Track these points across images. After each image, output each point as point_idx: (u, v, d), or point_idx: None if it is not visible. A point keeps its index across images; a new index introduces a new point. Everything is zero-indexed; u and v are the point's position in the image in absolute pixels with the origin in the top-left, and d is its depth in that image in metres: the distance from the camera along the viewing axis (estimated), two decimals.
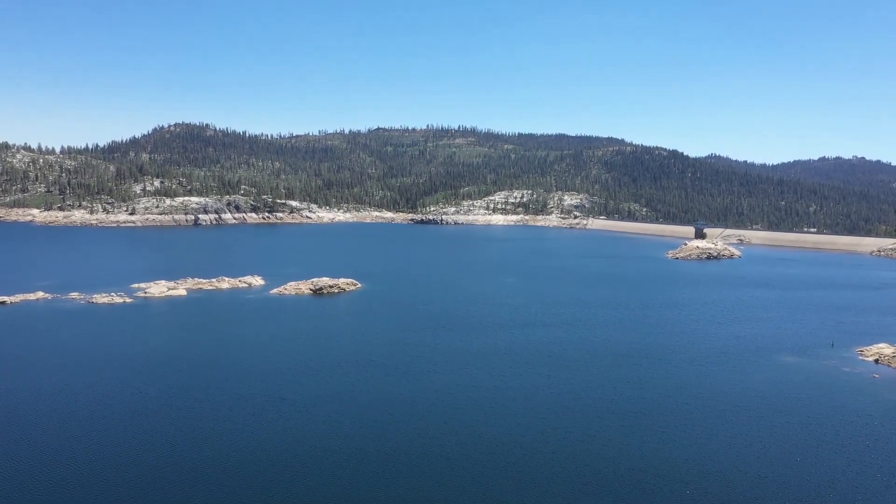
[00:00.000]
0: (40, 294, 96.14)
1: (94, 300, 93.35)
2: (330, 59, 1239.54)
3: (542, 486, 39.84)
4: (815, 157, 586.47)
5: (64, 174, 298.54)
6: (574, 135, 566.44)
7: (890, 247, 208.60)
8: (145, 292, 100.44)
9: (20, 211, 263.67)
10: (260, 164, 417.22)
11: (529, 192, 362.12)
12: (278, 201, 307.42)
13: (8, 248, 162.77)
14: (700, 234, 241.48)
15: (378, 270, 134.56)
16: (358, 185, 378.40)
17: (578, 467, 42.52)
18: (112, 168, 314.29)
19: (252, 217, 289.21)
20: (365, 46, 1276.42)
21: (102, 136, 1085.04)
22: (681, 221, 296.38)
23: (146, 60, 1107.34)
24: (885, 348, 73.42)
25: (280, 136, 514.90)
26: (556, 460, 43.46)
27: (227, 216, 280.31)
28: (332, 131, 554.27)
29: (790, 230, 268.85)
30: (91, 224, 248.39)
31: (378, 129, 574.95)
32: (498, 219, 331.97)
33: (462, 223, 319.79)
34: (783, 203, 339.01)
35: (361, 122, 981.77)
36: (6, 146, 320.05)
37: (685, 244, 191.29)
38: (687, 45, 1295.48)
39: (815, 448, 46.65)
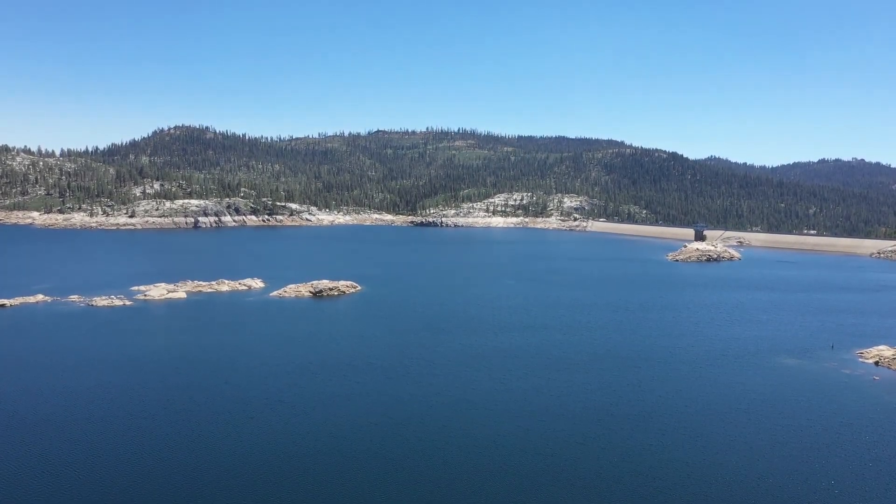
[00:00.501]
0: (40, 297, 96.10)
1: (93, 303, 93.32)
2: (330, 62, 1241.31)
3: (542, 490, 39.80)
4: (815, 159, 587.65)
5: (64, 177, 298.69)
6: (574, 137, 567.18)
7: (889, 249, 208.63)
8: (145, 295, 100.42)
9: (20, 213, 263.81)
10: (260, 166, 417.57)
11: (529, 194, 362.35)
12: (278, 204, 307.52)
13: (7, 251, 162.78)
14: (700, 237, 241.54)
15: (378, 273, 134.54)
16: (357, 188, 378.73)
17: (578, 470, 42.48)
18: (112, 171, 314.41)
19: (252, 220, 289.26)
20: (364, 49, 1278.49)
21: (102, 138, 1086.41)
22: (680, 223, 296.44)
23: (146, 63, 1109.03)
24: (885, 350, 73.39)
25: (280, 139, 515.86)
26: (556, 463, 43.42)
27: (227, 219, 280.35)
28: (331, 134, 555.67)
29: (790, 232, 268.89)
30: (91, 227, 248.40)
31: (378, 131, 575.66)
32: (498, 221, 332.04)
33: (462, 225, 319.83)
34: (783, 205, 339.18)
35: (361, 124, 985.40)
36: (6, 149, 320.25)
37: (685, 246, 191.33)
38: (687, 47, 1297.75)
39: (815, 450, 46.61)
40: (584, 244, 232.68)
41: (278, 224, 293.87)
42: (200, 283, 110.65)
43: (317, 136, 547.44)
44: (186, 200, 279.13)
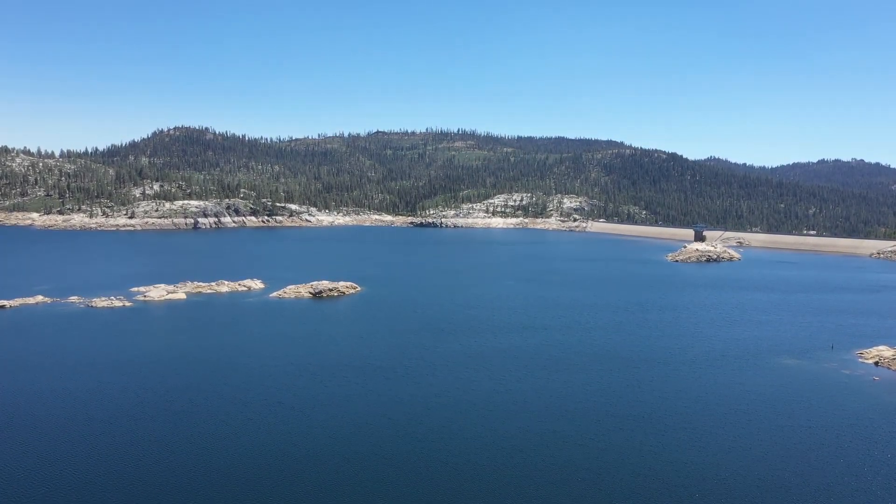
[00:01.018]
0: (40, 298, 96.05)
1: (93, 304, 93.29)
2: (329, 63, 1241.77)
3: (542, 490, 39.79)
4: (815, 160, 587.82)
5: (63, 178, 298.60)
6: (573, 138, 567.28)
7: (889, 249, 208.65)
8: (145, 296, 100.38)
9: (20, 215, 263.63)
10: (259, 167, 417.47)
11: (529, 195, 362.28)
12: (278, 205, 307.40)
13: (7, 253, 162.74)
14: (699, 237, 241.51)
15: (378, 274, 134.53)
16: (357, 189, 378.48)
17: (577, 471, 42.47)
18: (111, 172, 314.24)
19: (251, 220, 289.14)
20: (364, 50, 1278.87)
21: (102, 139, 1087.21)
22: (680, 224, 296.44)
23: (146, 64, 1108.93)
24: (884, 350, 73.41)
25: (279, 140, 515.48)
26: (555, 464, 43.41)
27: (227, 220, 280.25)
28: (331, 135, 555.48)
29: (789, 233, 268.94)
30: (90, 228, 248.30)
31: (377, 132, 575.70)
32: (497, 222, 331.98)
33: (461, 226, 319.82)
34: (782, 205, 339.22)
35: (361, 125, 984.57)
36: (6, 150, 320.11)
37: (684, 247, 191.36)
38: (686, 47, 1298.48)
39: (814, 451, 46.61)
40: (583, 245, 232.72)
41: (278, 225, 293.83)
42: (200, 284, 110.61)
43: (316, 137, 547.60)
44: (186, 201, 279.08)
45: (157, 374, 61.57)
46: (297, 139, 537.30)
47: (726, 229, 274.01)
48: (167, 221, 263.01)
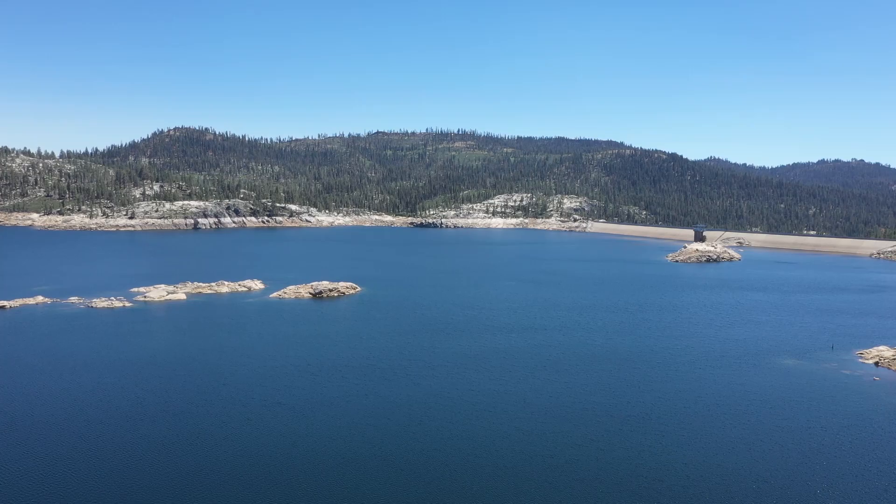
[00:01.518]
0: (40, 298, 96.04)
1: (93, 304, 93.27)
2: (329, 64, 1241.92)
3: (542, 491, 39.77)
4: (815, 160, 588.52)
5: (63, 178, 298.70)
6: (573, 138, 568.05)
7: (889, 249, 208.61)
8: (145, 297, 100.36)
9: (20, 215, 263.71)
10: (259, 168, 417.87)
11: (529, 195, 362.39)
12: (278, 205, 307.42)
13: (7, 253, 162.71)
14: (699, 237, 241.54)
15: (378, 274, 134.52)
16: (357, 189, 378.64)
17: (577, 472, 42.44)
18: (112, 172, 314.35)
19: (252, 221, 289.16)
20: (364, 50, 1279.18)
21: (102, 140, 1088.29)
22: (680, 224, 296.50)
23: (146, 64, 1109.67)
24: (884, 351, 73.39)
25: (279, 140, 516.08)
26: (555, 464, 43.39)
27: (227, 220, 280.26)
28: (331, 135, 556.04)
29: (789, 233, 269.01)
30: (91, 228, 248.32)
31: (377, 132, 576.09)
32: (497, 222, 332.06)
33: (462, 227, 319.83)
34: (782, 206, 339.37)
35: (361, 125, 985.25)
36: (6, 150, 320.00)
37: (684, 247, 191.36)
38: (686, 48, 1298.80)
39: (815, 451, 46.58)
40: (583, 245, 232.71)
41: (278, 225, 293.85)
42: (200, 284, 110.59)
43: (316, 138, 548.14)
44: (186, 202, 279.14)
45: (157, 374, 61.56)
46: (297, 139, 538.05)
47: (726, 229, 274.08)
48: (167, 222, 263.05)
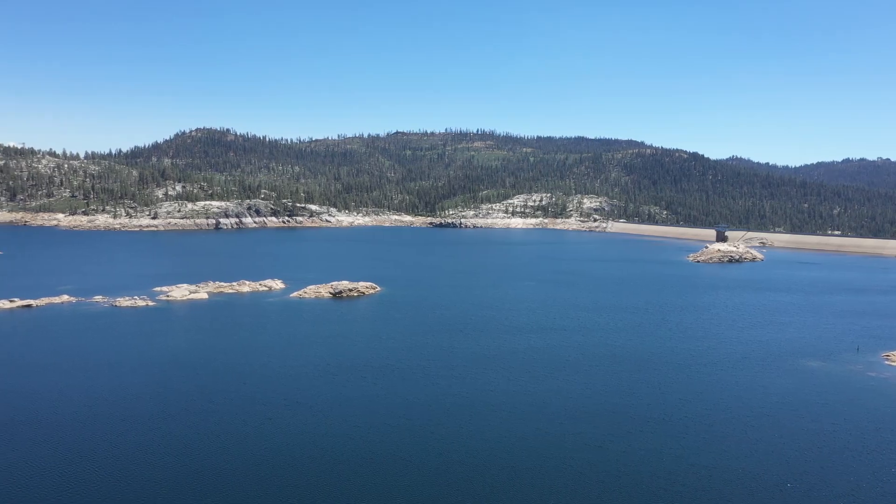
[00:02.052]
0: (65, 297, 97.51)
1: (117, 303, 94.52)
2: (349, 64, 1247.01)
3: (560, 492, 39.61)
4: (839, 159, 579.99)
5: (88, 179, 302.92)
6: (593, 137, 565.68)
7: None
8: (167, 296, 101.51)
9: (46, 215, 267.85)
10: (280, 168, 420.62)
11: (548, 195, 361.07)
12: (298, 205, 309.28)
13: (34, 253, 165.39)
14: (721, 238, 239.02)
15: (397, 274, 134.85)
16: (377, 189, 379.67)
17: (596, 473, 42.22)
18: (135, 173, 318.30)
19: (272, 221, 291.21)
20: (383, 51, 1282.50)
21: (126, 141, 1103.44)
22: (702, 224, 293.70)
23: (168, 66, 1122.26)
24: None
25: (300, 141, 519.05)
26: (574, 466, 43.20)
27: (248, 220, 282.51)
28: (351, 135, 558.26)
29: (813, 233, 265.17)
30: (114, 228, 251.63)
31: (397, 132, 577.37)
32: (517, 222, 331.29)
33: (481, 226, 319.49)
34: (806, 205, 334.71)
35: (380, 125, 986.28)
36: (32, 152, 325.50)
37: (706, 247, 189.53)
38: (708, 46, 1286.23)
39: (839, 455, 45.90)
40: (603, 245, 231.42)
41: (298, 225, 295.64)
42: (222, 283, 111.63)
43: (336, 138, 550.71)
44: (208, 202, 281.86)
45: (179, 373, 62.23)
46: (317, 140, 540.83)
47: (749, 229, 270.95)
48: (189, 222, 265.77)
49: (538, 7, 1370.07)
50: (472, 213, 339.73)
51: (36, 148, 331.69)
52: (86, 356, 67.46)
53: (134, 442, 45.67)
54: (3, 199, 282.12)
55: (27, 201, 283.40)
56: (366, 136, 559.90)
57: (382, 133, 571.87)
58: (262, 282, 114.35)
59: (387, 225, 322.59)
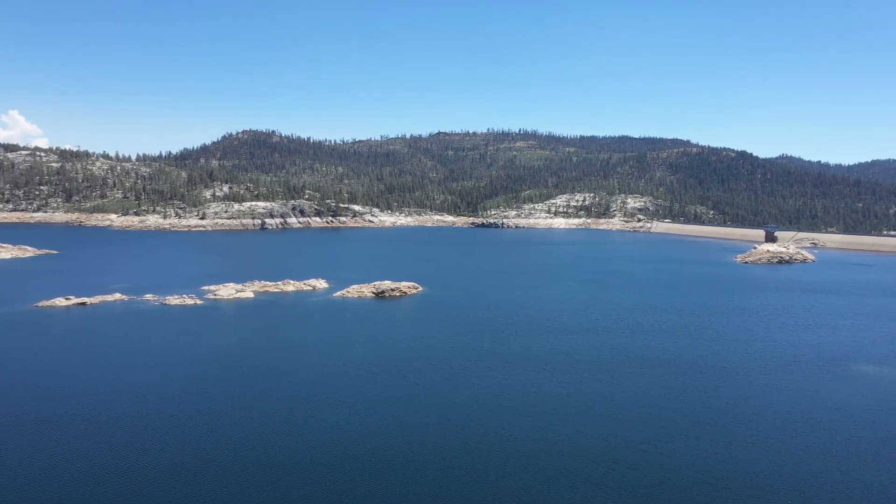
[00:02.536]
0: (118, 296, 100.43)
1: (166, 302, 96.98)
2: (392, 65, 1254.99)
3: (603, 497, 39.19)
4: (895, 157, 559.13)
5: (139, 181, 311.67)
6: (637, 136, 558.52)
7: None
8: (215, 294, 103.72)
9: (99, 216, 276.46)
10: (324, 169, 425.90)
11: (591, 195, 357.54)
12: (341, 206, 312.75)
13: (88, 252, 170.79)
14: (770, 238, 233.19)
15: (439, 274, 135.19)
16: (419, 189, 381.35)
17: (640, 477, 41.63)
18: (184, 174, 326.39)
19: (316, 221, 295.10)
20: (426, 51, 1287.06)
21: (175, 143, 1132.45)
22: (750, 225, 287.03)
23: (216, 69, 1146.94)
24: None
25: (343, 142, 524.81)
26: (617, 470, 42.68)
27: (293, 220, 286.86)
28: (393, 136, 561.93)
29: (868, 233, 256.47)
30: (164, 228, 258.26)
31: (439, 133, 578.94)
32: (559, 222, 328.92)
33: (523, 227, 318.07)
34: (860, 205, 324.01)
35: (422, 126, 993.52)
36: (87, 154, 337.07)
37: (755, 248, 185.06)
38: (756, 40, 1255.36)
39: (894, 463, 44.32)
40: (648, 246, 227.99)
41: (341, 225, 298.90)
42: (267, 283, 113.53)
43: (379, 139, 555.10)
44: (254, 203, 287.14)
45: (225, 370, 63.52)
46: (360, 141, 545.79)
47: (799, 230, 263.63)
48: (236, 222, 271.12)
49: (582, 5, 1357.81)
50: (514, 213, 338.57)
51: (90, 151, 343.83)
52: (136, 353, 69.39)
53: (181, 438, 46.79)
54: (59, 199, 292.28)
55: (82, 202, 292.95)
56: (408, 136, 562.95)
57: (425, 133, 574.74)
58: (306, 281, 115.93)
59: (429, 225, 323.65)
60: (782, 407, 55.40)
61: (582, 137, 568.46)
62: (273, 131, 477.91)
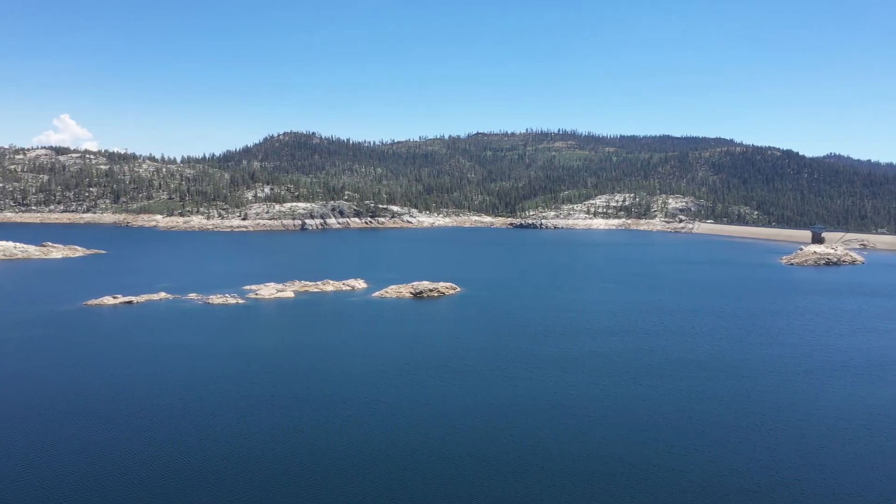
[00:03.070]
0: (163, 295, 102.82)
1: (209, 301, 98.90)
2: (429, 67, 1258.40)
3: (642, 502, 38.65)
4: None
5: (184, 182, 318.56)
6: (679, 136, 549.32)
7: None
8: (256, 294, 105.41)
9: (145, 217, 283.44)
10: (363, 170, 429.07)
11: (632, 195, 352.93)
12: (380, 206, 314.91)
13: (135, 252, 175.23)
14: (818, 239, 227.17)
15: (477, 275, 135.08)
16: (457, 190, 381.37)
17: (680, 482, 40.94)
18: (227, 176, 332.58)
19: (355, 222, 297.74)
20: (464, 52, 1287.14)
21: (218, 145, 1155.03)
22: (796, 225, 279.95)
23: (259, 72, 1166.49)
24: None
25: (382, 143, 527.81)
26: (657, 475, 42.05)
27: (332, 221, 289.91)
28: (431, 137, 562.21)
29: None
30: (208, 229, 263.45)
31: (477, 133, 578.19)
32: (599, 223, 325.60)
33: (561, 227, 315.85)
34: None
35: (460, 127, 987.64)
36: (133, 157, 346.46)
37: (801, 249, 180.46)
38: (800, 35, 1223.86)
39: None
40: (689, 247, 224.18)
41: (380, 226, 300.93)
42: (307, 283, 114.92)
43: (417, 140, 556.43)
44: (294, 204, 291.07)
45: (265, 368, 64.51)
46: (398, 142, 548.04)
47: (848, 230, 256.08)
48: (277, 223, 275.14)
49: (620, 4, 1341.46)
50: (552, 213, 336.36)
51: (137, 153, 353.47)
52: (179, 351, 70.95)
53: (222, 434, 47.65)
54: (108, 201, 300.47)
55: (129, 203, 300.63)
56: (446, 137, 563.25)
57: (463, 134, 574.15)
58: (345, 281, 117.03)
59: (467, 226, 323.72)
60: (829, 413, 53.91)
61: (622, 137, 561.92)
62: (313, 133, 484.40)
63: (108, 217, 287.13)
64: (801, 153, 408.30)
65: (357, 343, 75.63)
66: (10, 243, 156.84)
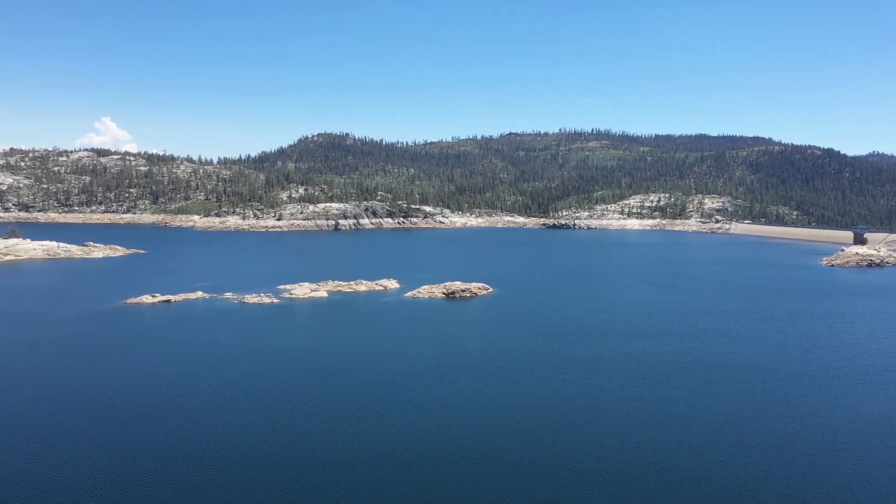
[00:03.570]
0: (200, 294, 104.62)
1: (245, 300, 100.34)
2: (462, 66, 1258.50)
3: None
4: None
5: (220, 183, 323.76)
6: (716, 135, 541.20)
7: None
8: (290, 294, 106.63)
9: (183, 217, 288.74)
10: (395, 170, 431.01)
11: (667, 195, 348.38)
12: (413, 207, 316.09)
13: (173, 252, 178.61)
14: (860, 240, 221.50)
15: (509, 276, 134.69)
16: (490, 191, 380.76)
17: (716, 488, 40.30)
18: (262, 177, 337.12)
19: (388, 222, 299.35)
20: (497, 52, 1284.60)
21: (254, 146, 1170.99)
22: (837, 226, 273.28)
23: (294, 74, 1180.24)
24: None
25: (415, 144, 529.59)
26: (691, 480, 41.45)
27: (365, 221, 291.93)
28: (464, 137, 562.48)
29: None
30: (243, 229, 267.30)
31: (510, 133, 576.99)
32: (633, 223, 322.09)
33: (595, 228, 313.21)
34: None
35: (493, 127, 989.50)
36: (172, 158, 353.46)
37: (842, 250, 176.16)
38: (841, 37, 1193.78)
39: None
40: (726, 247, 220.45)
41: (413, 226, 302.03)
42: (340, 283, 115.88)
43: (450, 140, 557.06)
44: (328, 204, 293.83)
45: (298, 367, 65.22)
46: (431, 142, 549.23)
47: (892, 231, 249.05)
48: (311, 223, 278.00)
49: (655, 2, 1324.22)
50: (586, 214, 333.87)
51: (175, 154, 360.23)
52: (216, 349, 72.13)
53: (256, 433, 48.31)
54: (147, 201, 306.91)
55: (167, 204, 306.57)
56: (479, 137, 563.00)
57: (496, 134, 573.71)
58: (378, 281, 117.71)
59: (499, 226, 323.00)
60: (871, 419, 52.55)
61: (657, 136, 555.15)
62: (347, 134, 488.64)
63: (147, 217, 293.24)
64: (842, 152, 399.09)
65: (389, 343, 76.03)
66: (54, 243, 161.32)
